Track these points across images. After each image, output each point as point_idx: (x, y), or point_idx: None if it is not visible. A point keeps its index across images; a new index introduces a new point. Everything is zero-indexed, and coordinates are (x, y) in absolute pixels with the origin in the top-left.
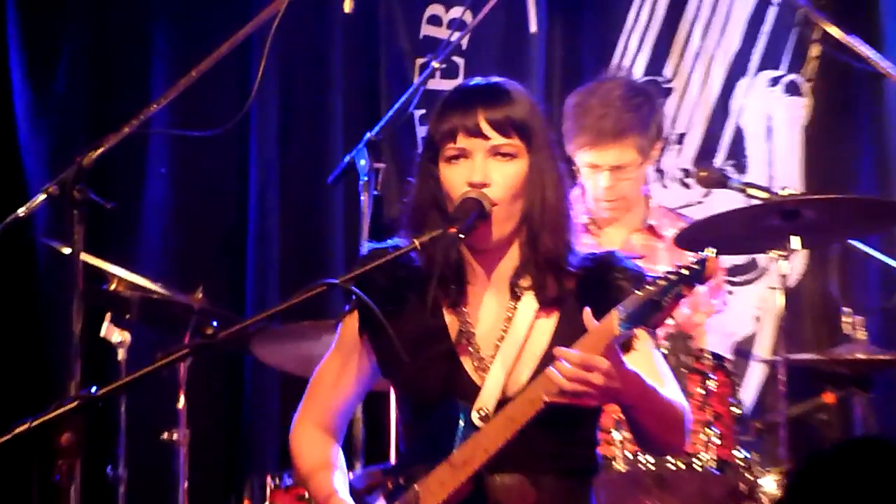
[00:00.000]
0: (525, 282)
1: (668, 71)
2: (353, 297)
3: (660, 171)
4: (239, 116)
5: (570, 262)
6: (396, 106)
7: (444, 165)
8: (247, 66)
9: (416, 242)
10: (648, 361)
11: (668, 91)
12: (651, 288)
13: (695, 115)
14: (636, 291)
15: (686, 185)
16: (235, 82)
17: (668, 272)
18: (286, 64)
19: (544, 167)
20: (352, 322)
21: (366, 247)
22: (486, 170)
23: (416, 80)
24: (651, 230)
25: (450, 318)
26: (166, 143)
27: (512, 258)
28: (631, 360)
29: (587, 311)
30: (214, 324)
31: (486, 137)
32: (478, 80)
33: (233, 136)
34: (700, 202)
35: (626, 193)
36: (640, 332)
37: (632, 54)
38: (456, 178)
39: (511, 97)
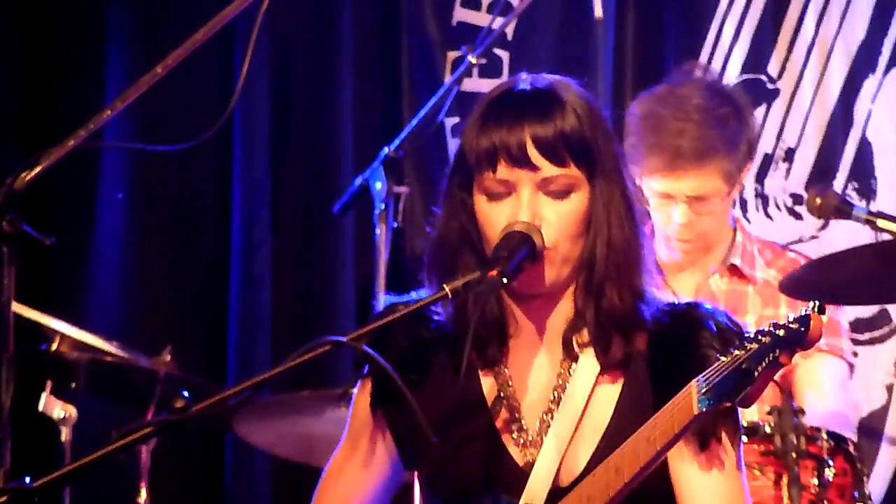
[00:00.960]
0: (583, 337)
1: (772, 68)
2: (366, 361)
3: (762, 198)
4: (218, 125)
5: (642, 315)
6: (422, 113)
7: (480, 198)
8: (229, 60)
9: (447, 289)
10: (729, 489)
11: (773, 94)
12: (740, 353)
13: (808, 125)
14: (720, 357)
15: (796, 215)
16: (214, 81)
17: (761, 332)
18: (281, 57)
19: (611, 197)
20: (363, 396)
21: (382, 301)
22: (535, 207)
23: (448, 79)
24: (735, 271)
25: (487, 384)
26: (124, 161)
27: (566, 306)
28: (705, 483)
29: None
30: (186, 394)
31: (534, 168)
32: (524, 80)
33: (211, 150)
34: (814, 237)
35: (707, 230)
36: (727, 447)
37: (726, 46)
38: (497, 218)
39: (564, 106)
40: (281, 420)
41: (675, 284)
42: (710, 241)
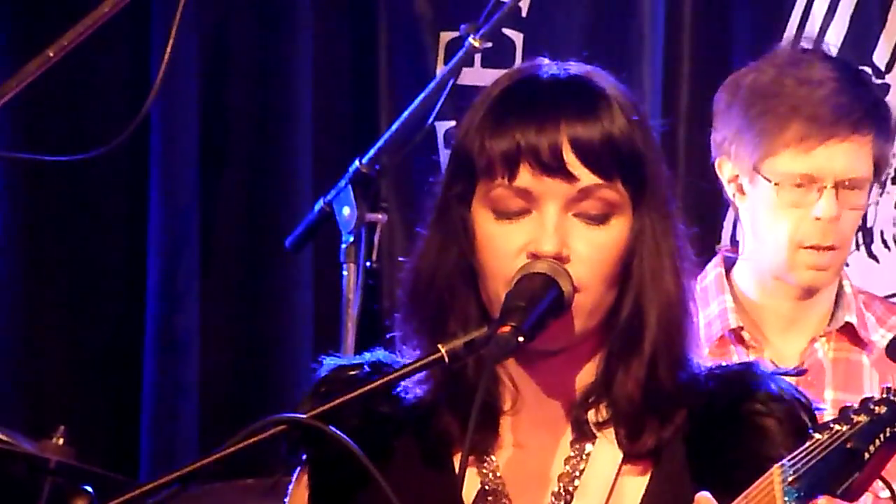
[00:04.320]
0: (601, 414)
1: (880, 57)
2: (307, 452)
3: (864, 231)
4: (129, 131)
5: (682, 387)
6: (406, 114)
7: (485, 215)
8: (145, 43)
9: (443, 351)
10: None
11: (882, 91)
12: (842, 428)
13: None
14: (814, 433)
15: None
16: (126, 71)
17: (871, 401)
18: (214, 41)
19: (662, 233)
20: (298, 491)
21: (326, 364)
22: (563, 233)
23: (441, 69)
24: (849, 333)
25: (468, 475)
26: None
27: (582, 370)
28: None
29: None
30: (89, 490)
31: (569, 177)
32: (549, 66)
33: (119, 165)
34: None
35: (847, 239)
36: None
37: (816, 26)
38: (509, 243)
39: (610, 104)
40: None
41: (773, 354)
42: (839, 263)
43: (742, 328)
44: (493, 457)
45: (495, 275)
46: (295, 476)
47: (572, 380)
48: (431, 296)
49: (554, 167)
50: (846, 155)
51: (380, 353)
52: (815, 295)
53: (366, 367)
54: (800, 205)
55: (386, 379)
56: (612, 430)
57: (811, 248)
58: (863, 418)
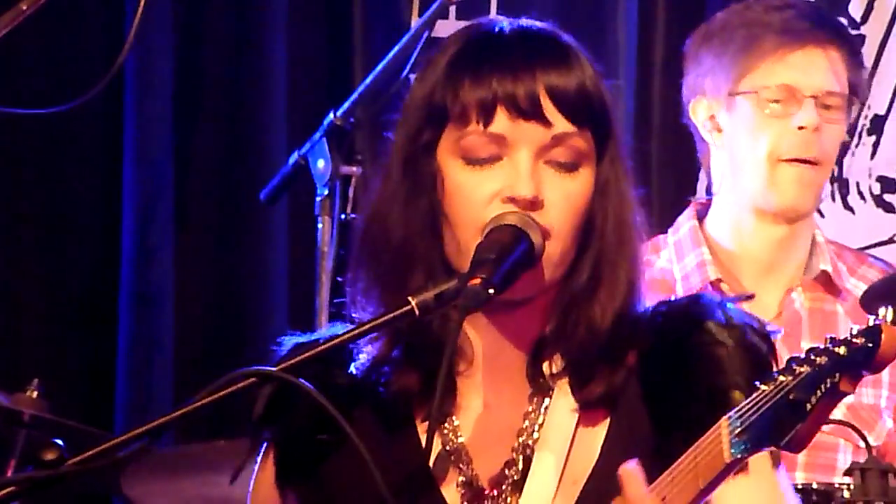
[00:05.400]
0: (556, 365)
1: (854, 8)
2: (268, 429)
3: (840, 182)
4: (103, 83)
5: (630, 328)
6: (381, 67)
7: (454, 163)
8: None
9: (413, 303)
10: (768, 497)
11: (857, 41)
12: (785, 379)
13: None
14: (759, 384)
15: (886, 206)
16: (99, 24)
17: (814, 351)
18: None
19: (622, 185)
20: (265, 471)
21: (285, 344)
22: (538, 179)
23: (416, 21)
24: (824, 281)
25: (426, 433)
26: None
27: (538, 322)
28: (741, 496)
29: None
30: (59, 443)
31: (545, 122)
32: (510, 21)
33: (93, 117)
34: None
35: (829, 155)
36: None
37: None
38: (480, 190)
39: (578, 55)
40: (186, 479)
41: (752, 305)
42: (823, 181)
43: (721, 280)
44: (452, 417)
45: (466, 223)
46: (260, 457)
47: (530, 332)
48: (398, 248)
49: (530, 112)
50: (822, 66)
51: (337, 328)
52: (795, 222)
53: (321, 342)
54: (781, 116)
55: (356, 332)
56: (566, 381)
57: (793, 160)
58: (805, 369)
